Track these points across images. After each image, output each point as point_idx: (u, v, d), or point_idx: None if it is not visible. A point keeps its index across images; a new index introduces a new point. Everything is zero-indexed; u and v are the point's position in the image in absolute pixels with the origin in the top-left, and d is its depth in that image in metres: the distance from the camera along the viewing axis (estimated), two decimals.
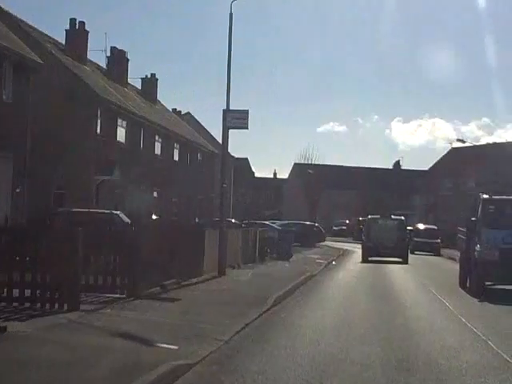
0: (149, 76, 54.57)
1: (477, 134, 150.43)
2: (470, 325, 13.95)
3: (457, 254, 52.27)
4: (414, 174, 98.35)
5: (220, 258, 22.23)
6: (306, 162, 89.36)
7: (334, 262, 37.35)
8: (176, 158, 50.62)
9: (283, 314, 15.04)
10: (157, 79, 55.34)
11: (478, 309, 17.71)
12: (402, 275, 30.09)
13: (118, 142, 39.84)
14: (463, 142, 62.46)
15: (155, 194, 46.04)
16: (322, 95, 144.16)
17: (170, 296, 16.32)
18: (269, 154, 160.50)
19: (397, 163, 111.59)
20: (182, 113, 69.76)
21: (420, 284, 25.49)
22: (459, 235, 26.23)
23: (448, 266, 40.08)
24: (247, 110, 22.78)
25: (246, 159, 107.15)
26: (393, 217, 44.41)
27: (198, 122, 71.07)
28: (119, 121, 39.91)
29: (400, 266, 36.92)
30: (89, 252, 15.16)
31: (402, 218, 44.34)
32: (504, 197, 23.15)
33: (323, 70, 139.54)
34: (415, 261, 44.73)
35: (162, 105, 57.61)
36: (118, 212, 31.10)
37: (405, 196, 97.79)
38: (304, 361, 10.12)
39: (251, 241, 30.91)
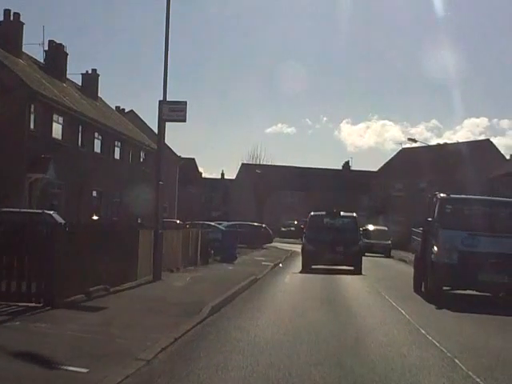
0: (89, 72, 52.51)
1: (426, 135, 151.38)
2: (430, 337, 12.28)
3: (409, 256, 51.66)
4: (363, 174, 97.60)
5: (155, 261, 20.33)
6: (254, 163, 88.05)
7: (280, 265, 35.70)
8: (117, 156, 48.56)
9: (219, 326, 13.26)
10: (98, 75, 53.25)
11: (436, 317, 16.06)
12: (352, 278, 28.49)
13: (54, 138, 37.76)
14: (415, 141, 61.42)
15: (95, 193, 44.03)
16: (271, 96, 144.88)
17: (94, 305, 14.41)
18: (216, 155, 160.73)
19: (346, 164, 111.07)
20: (126, 111, 67.93)
21: (372, 288, 23.85)
22: (413, 236, 24.75)
23: (400, 269, 38.72)
24: (185, 102, 20.90)
25: (193, 159, 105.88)
26: (342, 214, 34.72)
27: (141, 120, 69.07)
28: (55, 116, 37.86)
29: (352, 270, 35.43)
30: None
31: (354, 214, 35.30)
32: (463, 196, 21.73)
33: (271, 72, 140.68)
34: (365, 263, 43.19)
35: (103, 102, 55.48)
36: (52, 212, 29.27)
37: (354, 197, 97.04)
38: None
39: (193, 242, 29.06)
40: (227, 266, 30.39)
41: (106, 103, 56.38)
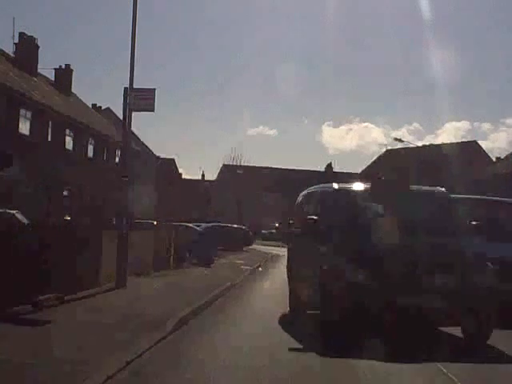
0: (63, 66, 50.40)
1: (408, 138, 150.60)
2: None
3: None
4: (346, 176, 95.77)
5: (119, 265, 18.18)
6: (234, 164, 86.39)
7: (260, 268, 33.72)
8: (91, 154, 46.44)
9: (184, 344, 11.25)
10: (71, 70, 51.16)
11: None
12: None
13: (21, 134, 35.64)
14: (401, 141, 59.71)
15: (65, 192, 41.90)
16: (252, 98, 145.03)
17: (38, 317, 12.32)
18: (197, 157, 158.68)
19: (329, 166, 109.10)
20: (103, 108, 65.95)
21: None
22: None
23: None
24: (154, 89, 18.77)
25: (173, 160, 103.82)
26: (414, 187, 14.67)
27: (118, 118, 66.83)
28: (22, 111, 35.76)
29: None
30: None
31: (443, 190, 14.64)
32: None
33: (252, 74, 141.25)
34: None
35: (77, 98, 53.34)
36: (15, 211, 27.17)
37: None
38: None
39: (166, 244, 27.02)
40: (203, 269, 28.37)
41: (80, 100, 54.24)
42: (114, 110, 67.76)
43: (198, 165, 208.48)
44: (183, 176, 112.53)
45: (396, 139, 59.19)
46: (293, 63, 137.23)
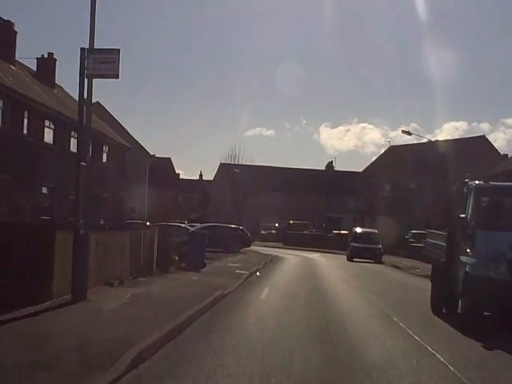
0: (45, 56, 46.60)
1: (406, 138, 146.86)
2: None
3: (402, 261, 46.59)
4: (347, 175, 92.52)
5: (75, 273, 14.38)
6: (232, 163, 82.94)
7: (258, 273, 30.06)
8: (74, 148, 42.61)
9: None
10: (55, 60, 47.17)
11: (494, 368, 10.31)
12: (347, 293, 22.93)
13: None
14: (409, 134, 55.83)
15: (45, 190, 38.15)
16: (250, 99, 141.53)
17: None
18: (196, 158, 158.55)
19: (329, 164, 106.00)
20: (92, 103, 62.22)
21: (374, 307, 18.21)
22: (428, 240, 19.09)
23: (397, 278, 33.21)
24: (118, 50, 14.98)
25: (169, 159, 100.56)
26: None
27: (108, 112, 63.33)
28: None
29: (342, 279, 29.97)
30: None
31: None
32: (506, 184, 16.07)
33: (249, 74, 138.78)
34: (355, 269, 37.82)
35: (63, 90, 49.55)
36: None
37: (339, 198, 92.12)
38: None
39: (147, 247, 23.29)
40: (192, 275, 24.73)
41: (66, 92, 50.45)
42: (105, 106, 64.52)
43: (196, 166, 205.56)
44: (181, 177, 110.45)
45: (404, 132, 55.39)
46: (290, 64, 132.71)
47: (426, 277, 33.99)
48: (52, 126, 38.67)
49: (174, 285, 20.27)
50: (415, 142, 74.29)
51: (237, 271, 28.24)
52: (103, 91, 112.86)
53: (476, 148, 69.32)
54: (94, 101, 55.09)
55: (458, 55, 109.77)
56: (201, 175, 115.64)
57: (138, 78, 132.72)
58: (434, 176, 65.85)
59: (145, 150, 66.88)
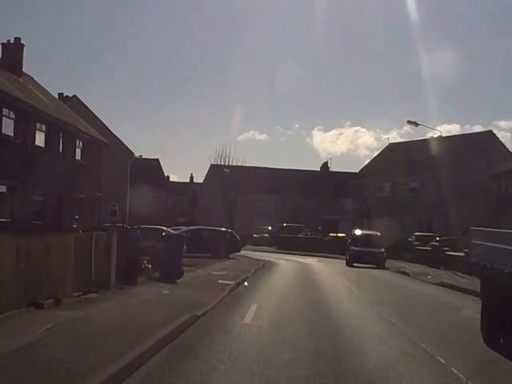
0: (11, 41, 42.04)
1: (399, 141, 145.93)
2: None
3: (407, 266, 42.11)
4: (344, 175, 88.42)
5: None
6: (223, 164, 78.70)
7: (246, 283, 25.45)
8: (41, 143, 37.94)
9: None
10: (22, 45, 42.59)
11: None
12: (357, 312, 18.21)
13: None
14: (416, 124, 51.11)
15: (4, 188, 33.48)
16: (242, 104, 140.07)
17: None
18: (188, 163, 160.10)
19: (325, 165, 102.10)
20: (70, 96, 57.94)
21: (401, 335, 13.47)
22: (476, 242, 14.20)
23: (408, 286, 28.67)
24: None
25: (157, 160, 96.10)
26: None
27: (86, 106, 58.70)
28: None
29: (346, 290, 25.38)
30: None
31: None
32: None
33: (241, 78, 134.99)
34: (359, 277, 33.21)
35: (32, 80, 44.94)
36: None
37: (335, 200, 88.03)
38: None
39: (102, 253, 18.46)
40: (163, 287, 20.12)
41: (36, 82, 45.84)
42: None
43: (188, 170, 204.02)
44: (171, 179, 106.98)
45: (410, 122, 50.66)
46: (283, 69, 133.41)
47: (441, 285, 29.47)
48: (13, 116, 34.06)
49: (133, 303, 15.57)
50: (415, 139, 70.74)
51: (220, 281, 23.65)
52: (93, 91, 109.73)
53: (483, 144, 64.75)
54: (71, 94, 50.59)
55: (451, 58, 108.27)
56: (191, 178, 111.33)
57: (131, 80, 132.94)
58: (437, 174, 61.70)
59: (127, 148, 62.19)
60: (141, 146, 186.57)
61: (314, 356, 10.72)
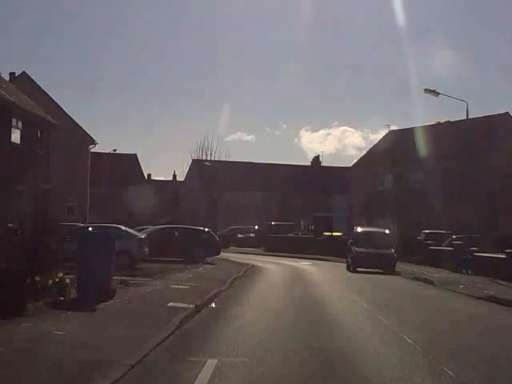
0: None
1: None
2: None
3: (425, 271, 33.90)
4: (336, 170, 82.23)
5: None
6: (204, 158, 72.01)
7: (213, 304, 17.09)
8: None
9: None
10: None
11: None
12: (371, 348, 9.92)
13: None
14: (436, 94, 43.31)
15: None
16: (229, 105, 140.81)
17: None
18: (175, 164, 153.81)
19: (316, 159, 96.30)
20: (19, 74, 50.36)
21: None
22: None
23: (446, 304, 20.42)
24: None
25: (135, 155, 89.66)
26: None
27: (34, 82, 50.80)
28: None
29: (362, 312, 16.95)
30: None
31: None
32: None
33: (228, 79, 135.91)
34: (370, 288, 25.08)
35: None
36: None
37: (327, 196, 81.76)
38: None
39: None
40: (64, 323, 11.89)
41: None
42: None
43: (171, 169, 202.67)
44: (153, 177, 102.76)
45: (427, 90, 42.84)
46: (269, 69, 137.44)
47: (488, 299, 21.42)
48: None
49: None
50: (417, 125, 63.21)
51: (170, 304, 15.27)
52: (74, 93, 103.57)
53: (500, 126, 57.24)
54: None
55: (438, 57, 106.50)
56: (174, 175, 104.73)
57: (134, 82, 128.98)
58: (447, 162, 54.24)
59: (87, 134, 53.89)
60: (122, 145, 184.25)
61: None
